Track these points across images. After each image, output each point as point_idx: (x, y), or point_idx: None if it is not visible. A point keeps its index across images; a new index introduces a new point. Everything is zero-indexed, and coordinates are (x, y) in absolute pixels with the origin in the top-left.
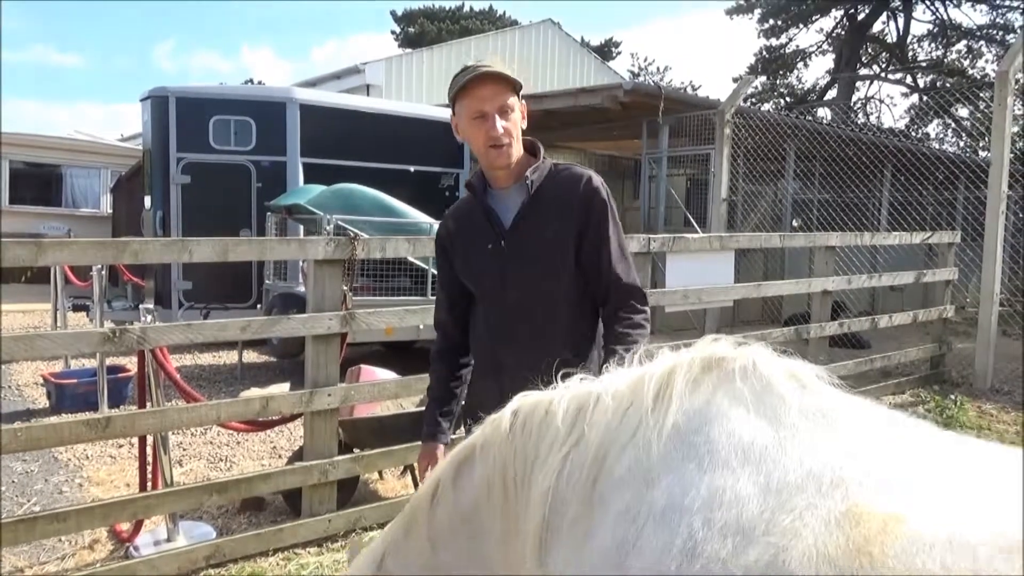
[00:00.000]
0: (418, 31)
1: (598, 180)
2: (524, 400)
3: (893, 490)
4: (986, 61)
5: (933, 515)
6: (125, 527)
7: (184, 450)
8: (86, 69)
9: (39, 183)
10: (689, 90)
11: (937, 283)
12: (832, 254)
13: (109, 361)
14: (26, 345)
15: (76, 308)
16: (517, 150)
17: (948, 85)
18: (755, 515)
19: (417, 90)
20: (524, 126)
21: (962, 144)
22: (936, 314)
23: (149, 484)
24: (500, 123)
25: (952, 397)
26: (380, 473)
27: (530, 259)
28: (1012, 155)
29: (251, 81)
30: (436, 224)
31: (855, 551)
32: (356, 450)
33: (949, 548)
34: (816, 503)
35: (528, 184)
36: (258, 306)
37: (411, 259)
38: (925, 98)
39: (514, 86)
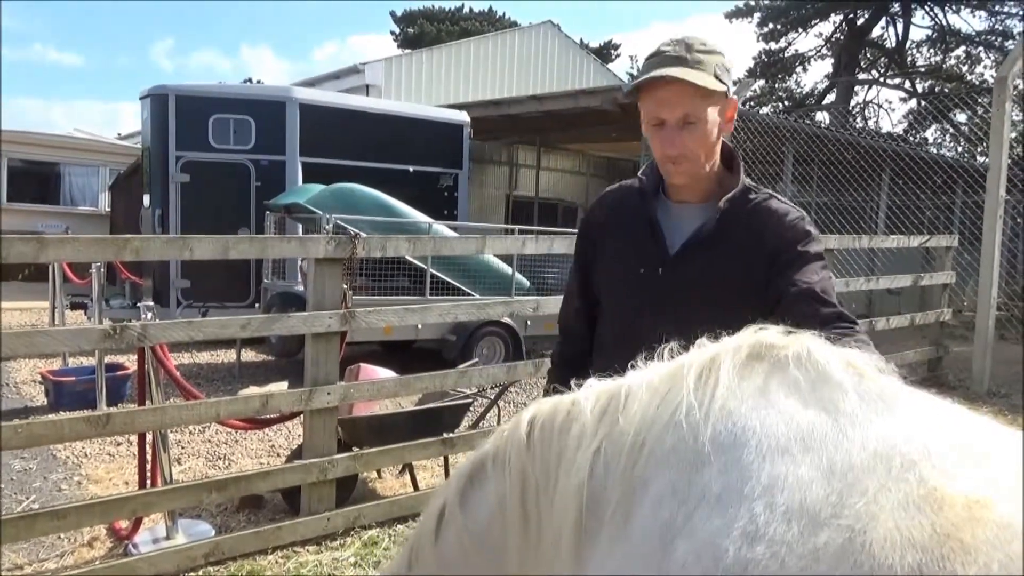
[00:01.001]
0: (417, 32)
1: (809, 222)
2: (540, 406)
3: (969, 473)
4: (984, 67)
5: (1016, 499)
6: (124, 525)
7: (183, 448)
8: (85, 67)
9: (38, 181)
10: None
11: (934, 287)
12: (829, 257)
13: (107, 359)
14: (26, 341)
15: (74, 306)
16: (705, 166)
17: (947, 90)
18: (820, 498)
19: (416, 90)
20: (729, 130)
21: (960, 149)
22: (933, 317)
23: (148, 482)
24: (679, 137)
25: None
26: (379, 472)
27: (689, 300)
28: (1010, 160)
29: (250, 80)
30: (435, 224)
31: (944, 536)
32: (355, 449)
33: None
34: (889, 486)
35: (716, 213)
36: (256, 305)
37: (410, 259)
38: (924, 103)
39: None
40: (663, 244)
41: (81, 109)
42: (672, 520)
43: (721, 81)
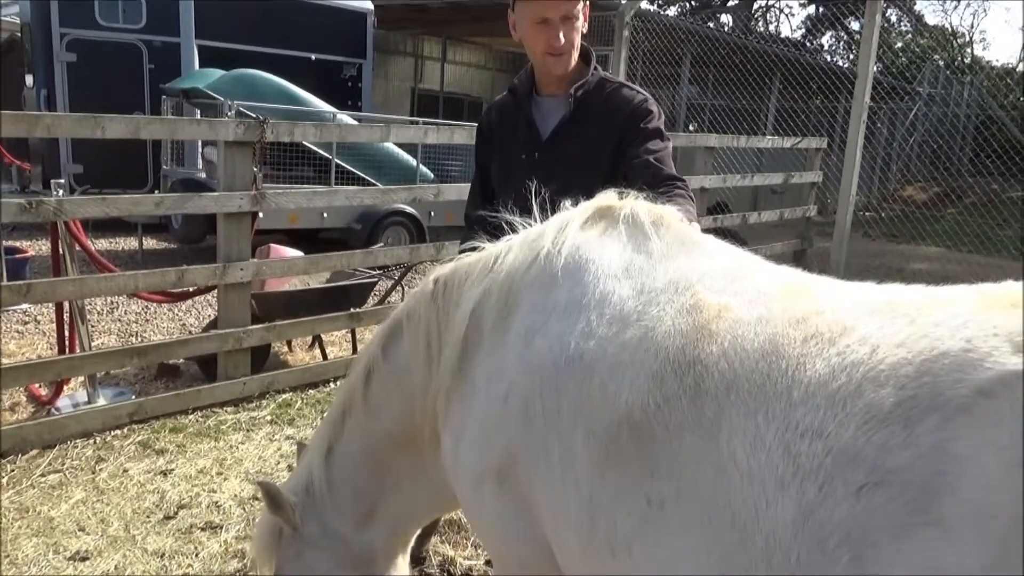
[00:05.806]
0: None
1: (654, 103)
2: (442, 268)
3: (725, 290)
4: None
5: (749, 305)
6: (44, 392)
7: (93, 327)
8: None
9: None
10: None
11: (805, 185)
12: (711, 155)
13: (5, 243)
14: None
15: None
16: (575, 59)
17: None
18: (631, 308)
19: None
20: (585, 30)
21: (852, 57)
22: (800, 213)
23: (67, 350)
24: (563, 33)
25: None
26: (289, 345)
27: (561, 176)
28: (881, 68)
29: None
30: (339, 114)
31: (699, 328)
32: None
33: (759, 322)
34: (673, 299)
35: (570, 101)
36: (155, 191)
37: (315, 148)
38: (821, 9)
39: None
40: (537, 133)
41: None
42: (533, 325)
43: None
